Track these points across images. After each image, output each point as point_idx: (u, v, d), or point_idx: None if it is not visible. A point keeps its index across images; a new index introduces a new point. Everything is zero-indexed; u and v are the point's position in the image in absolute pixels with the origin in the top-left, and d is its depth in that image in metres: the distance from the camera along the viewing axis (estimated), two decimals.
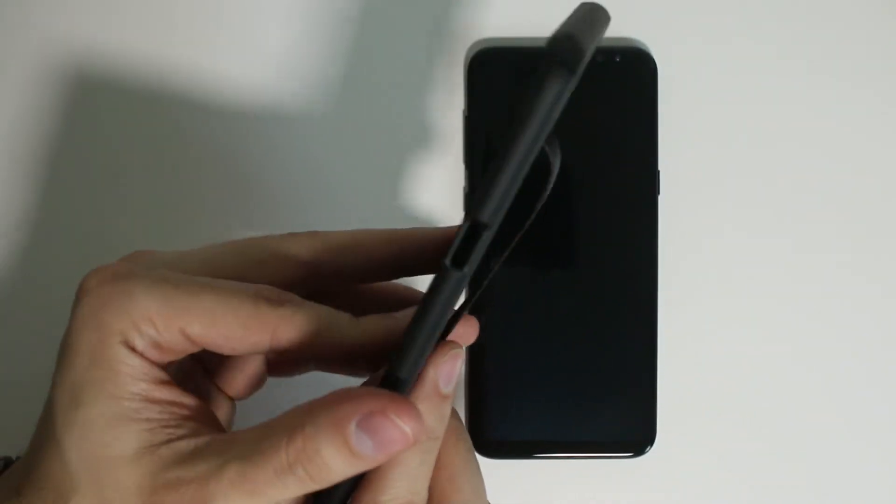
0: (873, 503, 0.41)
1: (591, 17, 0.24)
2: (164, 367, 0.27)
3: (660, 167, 0.41)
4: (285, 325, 0.26)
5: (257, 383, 0.33)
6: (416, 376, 0.26)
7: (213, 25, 0.41)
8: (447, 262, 0.24)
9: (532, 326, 0.40)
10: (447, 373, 0.27)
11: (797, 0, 0.41)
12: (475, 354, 0.40)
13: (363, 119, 0.41)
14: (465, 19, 0.41)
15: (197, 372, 0.32)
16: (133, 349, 0.25)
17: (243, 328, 0.26)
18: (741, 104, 0.41)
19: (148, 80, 0.41)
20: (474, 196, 0.23)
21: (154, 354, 0.26)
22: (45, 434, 0.26)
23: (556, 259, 0.40)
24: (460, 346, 0.27)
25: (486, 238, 0.24)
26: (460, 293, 0.25)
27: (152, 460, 0.25)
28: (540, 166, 0.26)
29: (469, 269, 0.24)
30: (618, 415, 0.40)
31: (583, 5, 0.26)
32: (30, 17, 0.41)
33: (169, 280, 0.26)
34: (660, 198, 0.41)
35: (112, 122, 0.41)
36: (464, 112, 0.41)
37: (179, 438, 0.25)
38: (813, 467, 0.41)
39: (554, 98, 0.22)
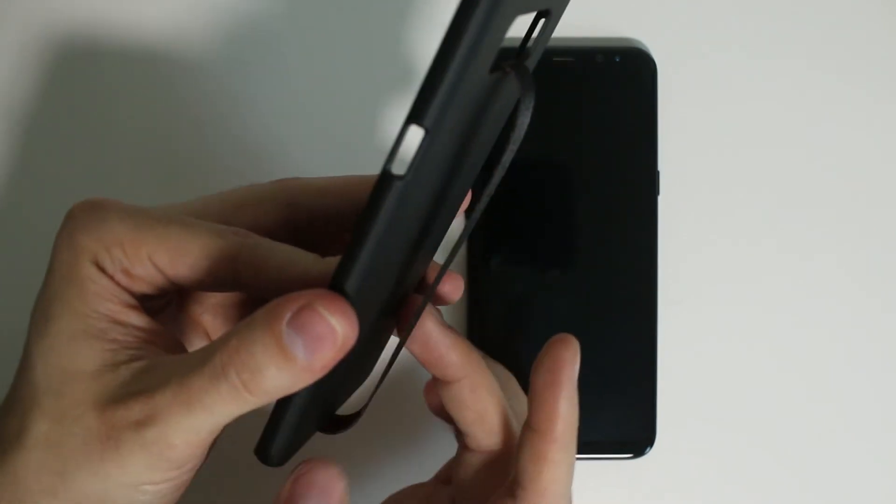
0: None
1: None
2: (139, 297, 0.27)
3: (659, 168, 0.41)
4: (247, 257, 0.26)
5: None
6: (367, 304, 0.25)
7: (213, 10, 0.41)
8: (387, 165, 0.22)
9: (532, 327, 0.40)
10: (302, 487, 0.25)
11: (799, 3, 0.41)
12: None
13: (362, 119, 0.41)
14: None
15: (194, 326, 0.32)
16: (103, 270, 0.26)
17: (207, 259, 0.26)
18: (741, 104, 0.41)
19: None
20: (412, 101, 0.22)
21: (124, 279, 0.26)
22: (23, 355, 0.27)
23: (556, 260, 0.40)
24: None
25: (426, 143, 0.22)
26: (406, 206, 0.24)
27: (111, 378, 0.25)
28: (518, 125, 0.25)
29: (411, 177, 0.22)
30: (618, 416, 0.40)
31: None
32: None
33: (143, 212, 0.27)
34: (659, 198, 0.41)
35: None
36: None
37: (138, 359, 0.26)
38: (811, 469, 0.41)
39: None
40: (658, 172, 0.40)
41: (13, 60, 0.41)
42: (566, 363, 0.28)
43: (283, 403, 0.25)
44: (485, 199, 0.26)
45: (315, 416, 0.28)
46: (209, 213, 0.29)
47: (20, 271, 0.40)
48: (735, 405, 0.41)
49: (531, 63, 0.27)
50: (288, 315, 0.23)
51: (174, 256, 0.26)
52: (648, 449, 0.40)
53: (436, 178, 0.25)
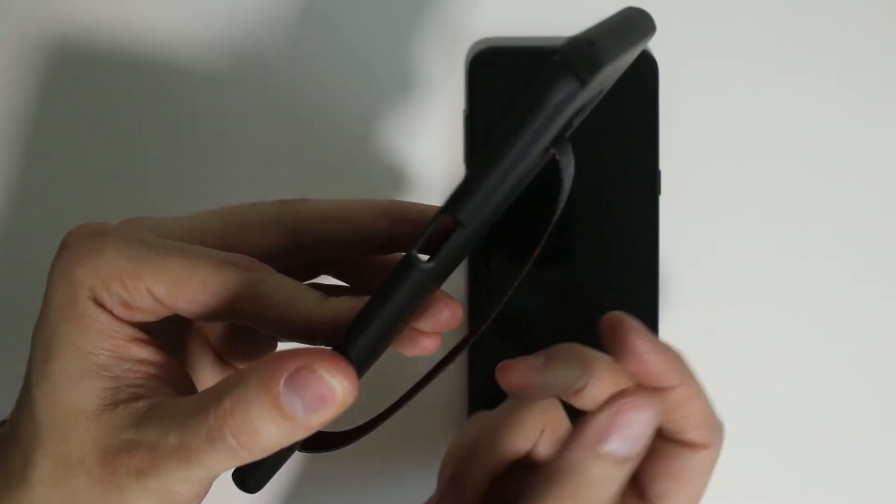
0: None
1: (629, 25, 0.22)
2: (139, 325, 0.27)
3: (661, 167, 0.40)
4: (247, 293, 0.26)
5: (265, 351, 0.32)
6: (367, 364, 0.25)
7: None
8: (413, 252, 0.22)
9: (532, 327, 0.40)
10: (619, 428, 0.26)
11: (801, 3, 0.41)
12: (476, 356, 0.40)
13: (363, 120, 0.41)
14: (465, 19, 0.41)
15: (200, 340, 0.32)
16: (102, 306, 0.26)
17: (205, 292, 0.26)
18: (743, 103, 0.41)
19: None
20: (452, 191, 0.22)
21: (123, 312, 0.26)
22: (24, 387, 0.27)
23: (556, 260, 0.40)
24: (647, 399, 0.26)
25: (459, 236, 0.22)
26: (425, 287, 0.23)
27: (110, 419, 0.25)
28: (551, 180, 0.25)
29: (436, 264, 0.22)
30: None
31: (627, 10, 0.24)
32: None
33: (142, 241, 0.26)
34: (661, 198, 0.40)
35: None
36: (464, 112, 0.41)
37: (137, 399, 0.25)
38: (813, 472, 0.41)
39: (555, 105, 0.20)
40: (659, 172, 0.40)
41: (11, 65, 0.41)
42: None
43: None
44: (524, 273, 0.27)
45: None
46: (208, 233, 0.28)
47: (23, 283, 0.40)
48: (736, 405, 0.41)
49: (570, 132, 0.27)
50: (284, 375, 0.23)
51: (172, 289, 0.26)
52: None
53: (461, 250, 0.25)
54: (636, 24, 0.23)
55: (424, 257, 0.23)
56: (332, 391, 0.23)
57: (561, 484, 0.26)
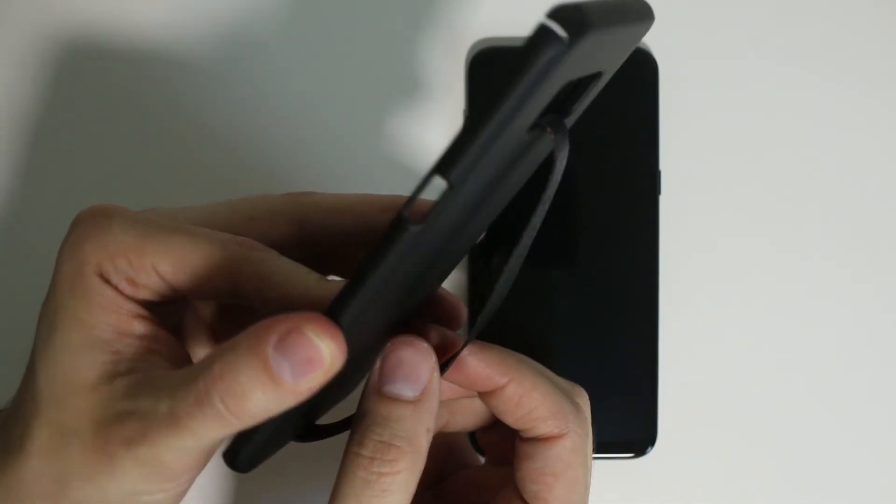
0: None
1: (623, 5, 0.23)
2: (143, 303, 0.27)
3: (661, 167, 0.40)
4: (250, 271, 0.26)
5: None
6: (357, 333, 0.25)
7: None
8: (405, 212, 0.22)
9: (533, 327, 0.40)
10: (390, 365, 0.27)
11: (801, 3, 0.41)
12: None
13: (364, 120, 0.41)
14: (465, 19, 0.41)
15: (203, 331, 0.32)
16: (108, 281, 0.26)
17: (208, 269, 0.26)
18: (743, 104, 0.41)
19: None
20: (442, 152, 0.22)
21: (128, 288, 0.26)
22: (29, 361, 0.27)
23: (557, 260, 0.40)
24: (408, 339, 0.27)
25: (448, 199, 0.22)
26: (417, 251, 0.23)
27: (108, 390, 0.25)
28: (545, 165, 0.25)
29: (426, 227, 0.22)
30: (619, 415, 0.40)
31: None
32: None
33: (148, 221, 0.27)
34: (661, 198, 0.40)
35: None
36: (464, 112, 0.41)
37: (136, 371, 0.26)
38: (812, 469, 0.41)
39: (543, 65, 0.20)
40: (659, 172, 0.40)
41: (16, 63, 0.41)
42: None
43: None
44: (517, 256, 0.27)
45: (292, 426, 0.28)
46: (216, 221, 0.29)
47: (27, 275, 0.40)
48: (737, 405, 0.41)
49: (571, 120, 0.27)
50: (274, 338, 0.23)
51: (177, 266, 0.26)
52: (650, 448, 0.40)
53: (454, 222, 0.25)
54: (631, 6, 0.23)
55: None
56: (319, 354, 0.23)
57: (359, 425, 0.27)
